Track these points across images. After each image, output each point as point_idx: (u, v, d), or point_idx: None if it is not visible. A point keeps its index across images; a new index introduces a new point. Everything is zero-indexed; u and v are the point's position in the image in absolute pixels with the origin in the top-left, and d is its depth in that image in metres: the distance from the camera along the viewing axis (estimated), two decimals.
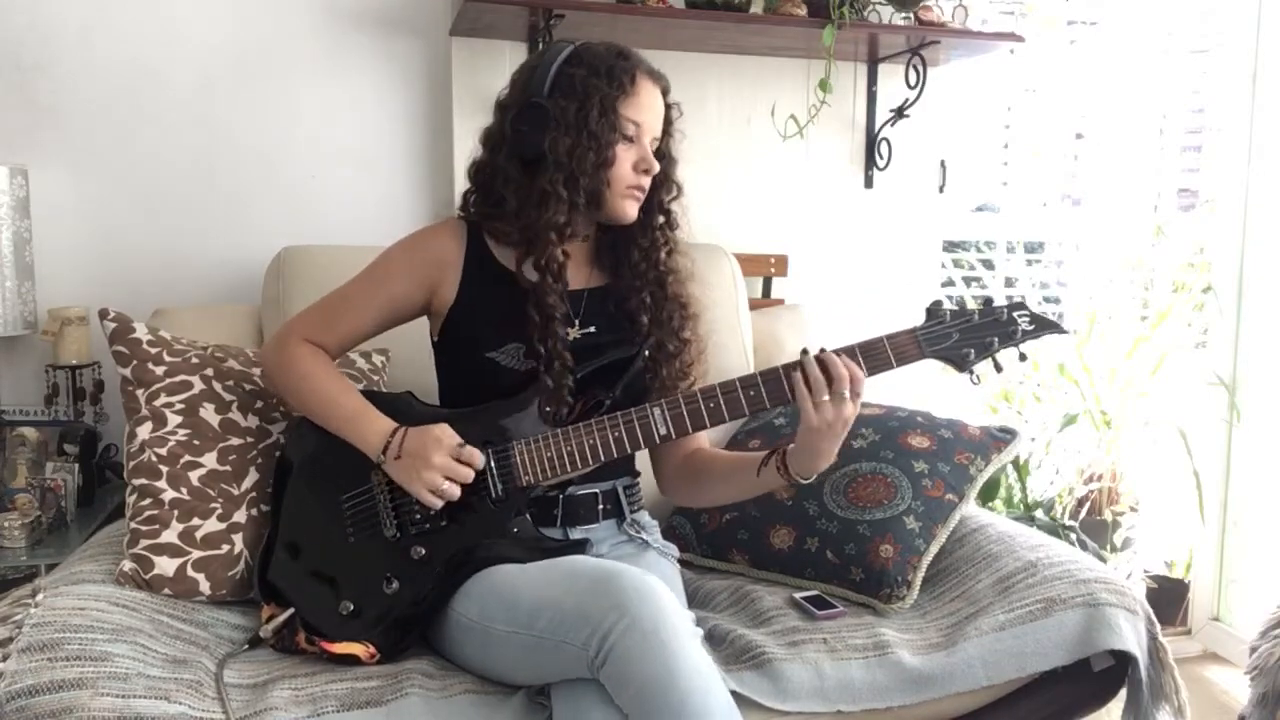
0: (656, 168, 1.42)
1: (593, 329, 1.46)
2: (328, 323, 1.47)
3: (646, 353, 1.46)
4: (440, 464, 1.30)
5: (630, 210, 1.43)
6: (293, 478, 1.47)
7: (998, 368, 1.33)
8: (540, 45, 2.01)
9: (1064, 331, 1.33)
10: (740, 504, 1.72)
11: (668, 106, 1.45)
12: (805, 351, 1.30)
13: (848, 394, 1.27)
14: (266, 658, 1.35)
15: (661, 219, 1.48)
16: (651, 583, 1.18)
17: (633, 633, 1.12)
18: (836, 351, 1.29)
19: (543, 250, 1.38)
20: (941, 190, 2.50)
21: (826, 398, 1.27)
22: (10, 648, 1.18)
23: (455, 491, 1.31)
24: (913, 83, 2.33)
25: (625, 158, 1.39)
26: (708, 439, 1.57)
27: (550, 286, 1.38)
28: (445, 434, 1.33)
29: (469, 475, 1.32)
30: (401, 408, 1.43)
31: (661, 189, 1.47)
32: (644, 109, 1.40)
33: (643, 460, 1.56)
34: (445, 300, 1.45)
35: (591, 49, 1.40)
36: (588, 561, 1.28)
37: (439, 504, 1.31)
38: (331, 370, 1.45)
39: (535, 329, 1.38)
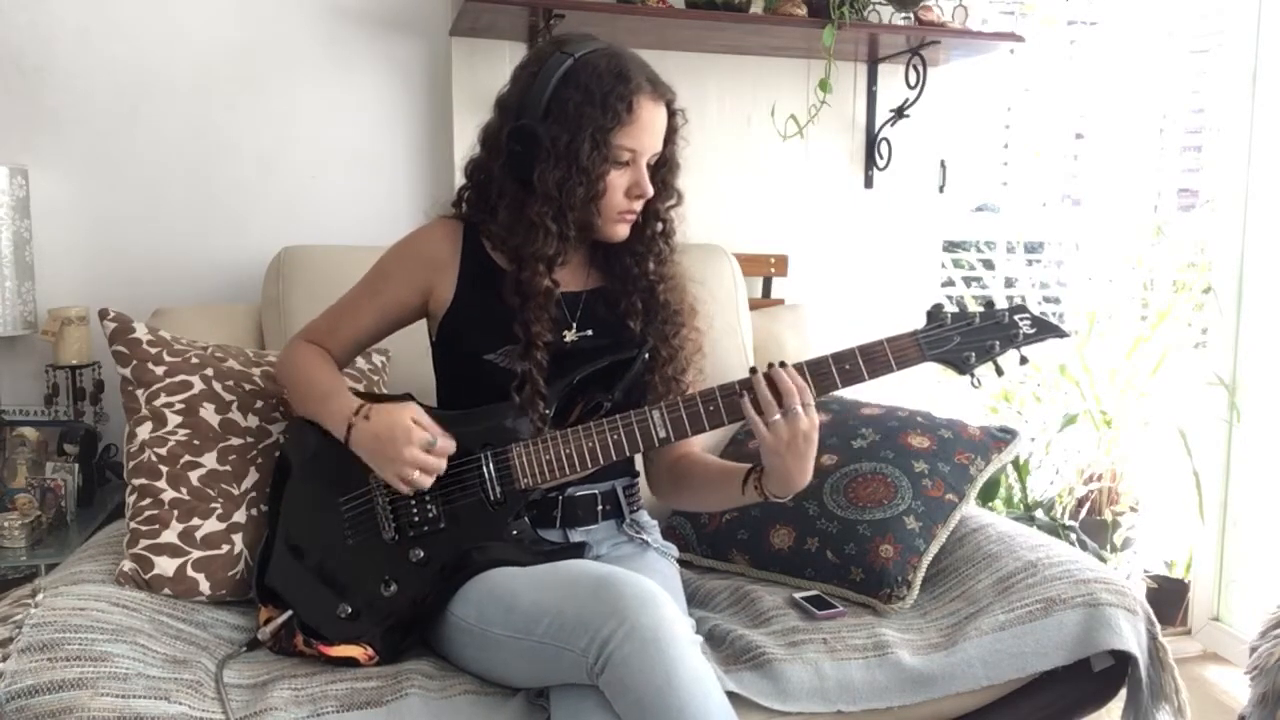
0: (650, 193, 1.39)
1: (590, 331, 1.45)
2: (330, 329, 1.50)
3: (646, 356, 1.45)
4: (410, 458, 1.29)
5: (620, 232, 1.41)
6: (291, 480, 1.47)
7: (998, 371, 1.33)
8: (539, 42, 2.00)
9: (1065, 335, 1.32)
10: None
11: (672, 114, 1.40)
12: (754, 370, 1.29)
13: (799, 408, 1.25)
14: (266, 658, 1.35)
15: (659, 226, 1.45)
16: (651, 589, 1.18)
17: (632, 640, 1.12)
18: (818, 361, 1.29)
19: (530, 278, 1.37)
20: (941, 190, 2.50)
21: (778, 416, 1.26)
22: (10, 648, 1.18)
23: (426, 482, 1.30)
24: (913, 83, 2.33)
25: (618, 184, 1.36)
26: (700, 443, 1.54)
27: (535, 314, 1.37)
28: (416, 419, 1.30)
29: (440, 465, 1.31)
30: None
31: (659, 196, 1.43)
32: (642, 134, 1.35)
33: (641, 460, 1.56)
34: (442, 302, 1.45)
35: (591, 65, 1.33)
36: (587, 566, 1.28)
37: (409, 491, 1.31)
38: (321, 361, 1.46)
39: (520, 345, 1.37)
